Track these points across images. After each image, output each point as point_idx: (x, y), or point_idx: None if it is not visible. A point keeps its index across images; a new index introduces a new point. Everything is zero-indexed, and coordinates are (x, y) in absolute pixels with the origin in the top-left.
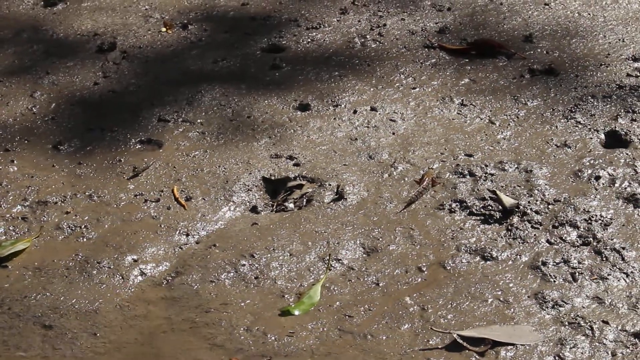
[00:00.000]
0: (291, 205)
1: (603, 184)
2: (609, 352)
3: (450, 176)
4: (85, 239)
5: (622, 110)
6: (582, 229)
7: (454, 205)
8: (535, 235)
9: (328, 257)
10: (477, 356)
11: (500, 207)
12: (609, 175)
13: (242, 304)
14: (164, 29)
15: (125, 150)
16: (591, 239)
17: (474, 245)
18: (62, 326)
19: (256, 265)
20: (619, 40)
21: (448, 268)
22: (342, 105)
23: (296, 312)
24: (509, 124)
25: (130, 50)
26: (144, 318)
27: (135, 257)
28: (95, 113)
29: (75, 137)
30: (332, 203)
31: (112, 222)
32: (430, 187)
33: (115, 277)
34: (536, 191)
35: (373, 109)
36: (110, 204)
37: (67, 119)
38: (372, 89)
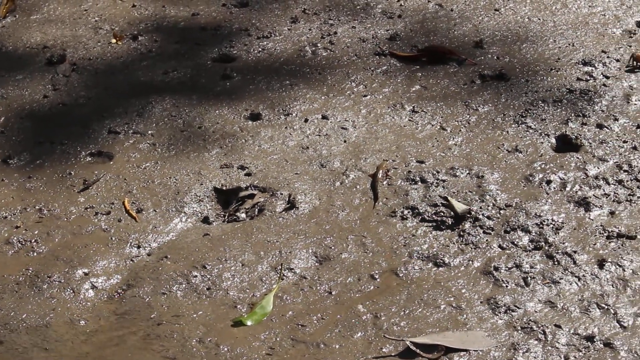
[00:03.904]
0: (243, 215)
1: (554, 188)
2: (562, 356)
3: (402, 183)
4: (35, 253)
5: (573, 115)
6: (533, 234)
7: (406, 212)
8: (487, 240)
9: (280, 267)
10: None
11: (452, 213)
12: (560, 179)
13: (194, 316)
14: (113, 41)
15: (76, 163)
16: (543, 243)
17: (427, 252)
18: (13, 341)
19: (208, 276)
20: (569, 44)
21: (401, 275)
22: (294, 114)
23: (249, 323)
24: (460, 130)
25: (80, 63)
26: (96, 332)
27: (86, 270)
28: (45, 126)
29: (25, 151)
30: (284, 212)
31: (62, 236)
32: (385, 178)
33: (66, 291)
34: (488, 196)
35: (324, 117)
36: (61, 217)
37: (16, 132)
38: (323, 97)
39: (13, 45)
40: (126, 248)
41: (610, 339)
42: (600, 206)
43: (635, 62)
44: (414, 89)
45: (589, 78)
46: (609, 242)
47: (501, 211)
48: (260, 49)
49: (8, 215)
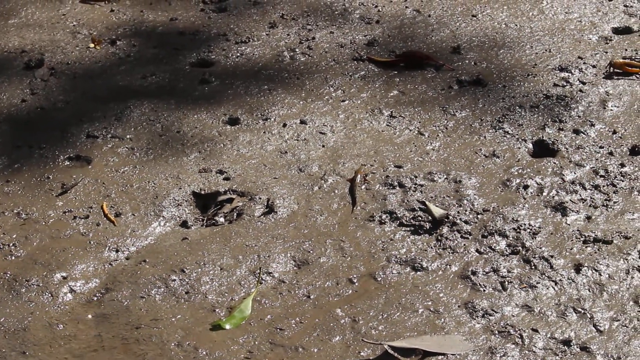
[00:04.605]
0: (221, 220)
1: (531, 193)
2: None
3: (380, 187)
4: (13, 257)
5: (550, 120)
6: (511, 238)
7: (384, 216)
8: (464, 245)
9: (259, 271)
10: None
11: (430, 217)
12: (537, 184)
13: (173, 319)
14: (92, 45)
15: (54, 167)
16: (520, 247)
17: (404, 256)
18: None
19: (187, 280)
20: (546, 50)
21: (379, 279)
22: (272, 119)
23: (227, 327)
24: (437, 135)
25: (58, 67)
26: (74, 336)
27: (64, 274)
28: (23, 130)
29: (3, 155)
30: (262, 217)
31: (40, 240)
32: (363, 183)
33: (44, 295)
34: (465, 201)
35: (303, 122)
36: (39, 221)
37: None
38: (301, 102)
39: None
40: (105, 252)
41: (586, 343)
42: (577, 211)
43: (612, 69)
44: (391, 94)
45: (565, 84)
46: (586, 247)
47: (479, 216)
48: (238, 54)
49: None
